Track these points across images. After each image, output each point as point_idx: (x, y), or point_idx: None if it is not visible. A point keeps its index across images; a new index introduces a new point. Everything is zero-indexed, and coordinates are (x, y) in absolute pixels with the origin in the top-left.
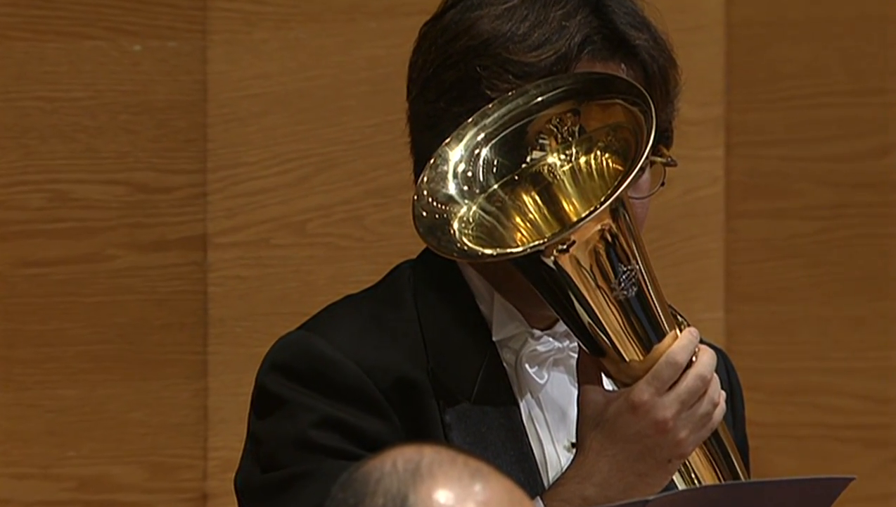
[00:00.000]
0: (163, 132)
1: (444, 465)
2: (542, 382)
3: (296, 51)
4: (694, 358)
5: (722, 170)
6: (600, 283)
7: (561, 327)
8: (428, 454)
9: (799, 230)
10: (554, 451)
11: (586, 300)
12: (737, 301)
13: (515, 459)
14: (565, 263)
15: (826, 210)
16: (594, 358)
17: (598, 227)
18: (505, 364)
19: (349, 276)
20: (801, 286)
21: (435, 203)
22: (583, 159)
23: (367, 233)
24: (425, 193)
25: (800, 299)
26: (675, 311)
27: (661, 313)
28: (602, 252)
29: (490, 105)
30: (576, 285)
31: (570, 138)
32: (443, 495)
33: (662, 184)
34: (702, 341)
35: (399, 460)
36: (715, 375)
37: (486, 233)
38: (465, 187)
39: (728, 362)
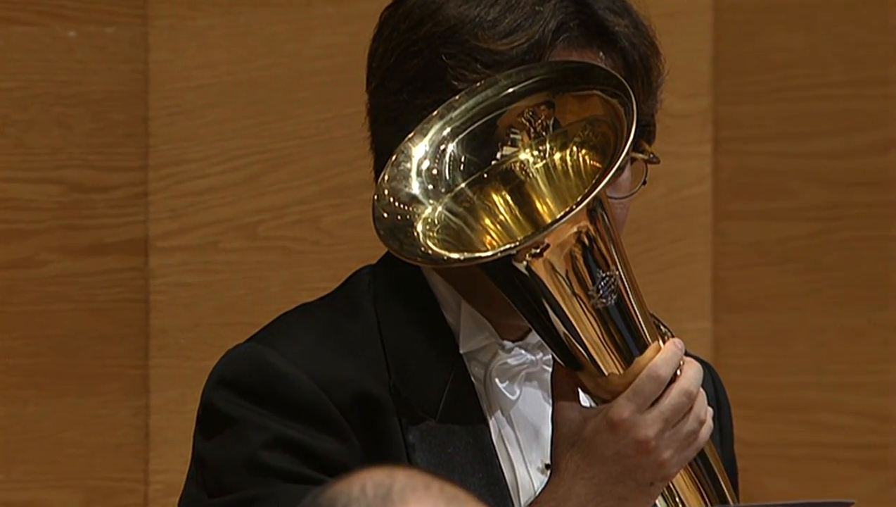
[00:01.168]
0: (100, 126)
1: (418, 491)
2: (513, 398)
3: (245, 38)
4: (678, 372)
5: (709, 167)
6: (577, 290)
7: (534, 338)
8: (400, 479)
9: (793, 233)
10: (526, 473)
11: (561, 309)
12: (725, 310)
13: (485, 482)
14: (539, 268)
15: (822, 211)
16: (570, 372)
17: (575, 229)
18: (473, 379)
19: (304, 282)
20: (795, 294)
21: (397, 203)
22: (557, 156)
23: (323, 236)
24: (386, 192)
25: (793, 307)
26: (658, 321)
27: (642, 323)
28: (579, 257)
29: (457, 97)
30: (550, 293)
31: (544, 133)
32: None
33: (644, 182)
34: (687, 354)
35: (368, 484)
36: (701, 390)
37: (453, 236)
38: (430, 186)
39: (715, 376)
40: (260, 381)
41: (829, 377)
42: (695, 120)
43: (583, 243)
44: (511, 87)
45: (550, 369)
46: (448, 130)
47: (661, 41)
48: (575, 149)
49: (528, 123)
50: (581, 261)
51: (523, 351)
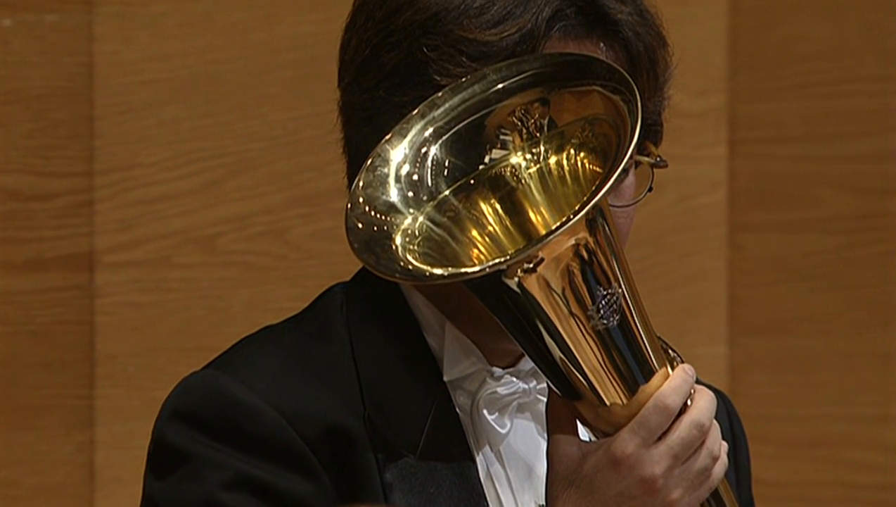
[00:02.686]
0: (40, 126)
1: None
2: (503, 431)
3: (203, 26)
4: (689, 402)
5: (724, 173)
6: (574, 310)
7: (527, 364)
8: None
9: (818, 246)
10: None
11: (557, 331)
12: (742, 333)
13: None
14: (532, 285)
15: (851, 222)
16: (567, 402)
17: (572, 241)
18: (458, 410)
19: (269, 302)
20: (821, 315)
21: (373, 213)
22: (553, 159)
23: (291, 249)
24: (361, 200)
25: (819, 330)
26: (667, 344)
27: (648, 347)
28: (577, 272)
29: (440, 94)
30: (545, 313)
31: (538, 134)
32: None
33: (650, 189)
34: (698, 382)
35: None
36: (714, 422)
37: (436, 249)
38: (410, 194)
39: (730, 406)
40: (218, 413)
41: (859, 409)
42: (708, 119)
43: (581, 258)
44: (501, 82)
45: (545, 399)
46: (430, 130)
47: (671, 30)
48: (572, 152)
49: (519, 123)
50: (579, 277)
51: (515, 379)
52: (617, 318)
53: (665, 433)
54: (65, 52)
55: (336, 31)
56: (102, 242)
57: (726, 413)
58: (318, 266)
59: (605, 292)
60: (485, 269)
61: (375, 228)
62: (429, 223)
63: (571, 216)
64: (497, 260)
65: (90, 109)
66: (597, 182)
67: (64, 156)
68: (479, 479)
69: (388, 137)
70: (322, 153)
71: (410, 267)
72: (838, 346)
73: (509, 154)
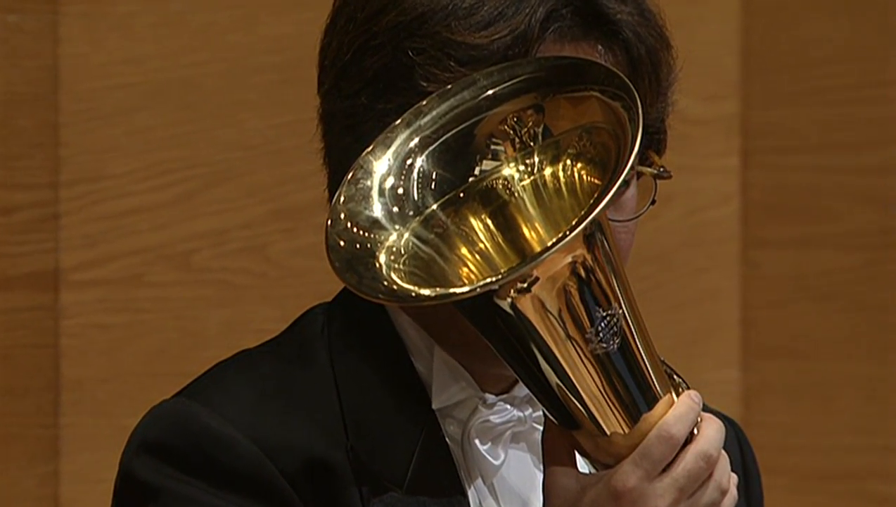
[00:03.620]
0: (1, 134)
1: None
2: (497, 462)
3: (177, 27)
4: (695, 431)
5: (736, 184)
6: (572, 332)
7: (521, 390)
8: None
9: (837, 264)
10: None
11: (554, 355)
12: (756, 357)
13: None
14: (526, 306)
15: (872, 238)
16: (565, 431)
17: (569, 259)
18: (448, 440)
19: (247, 323)
20: (841, 337)
21: (355, 229)
22: (548, 171)
23: (271, 267)
24: (342, 215)
25: (839, 354)
26: (671, 369)
27: (651, 373)
28: (574, 292)
29: (426, 101)
30: (540, 336)
31: (532, 143)
32: None
33: (653, 202)
34: (706, 409)
35: None
36: (723, 453)
37: (423, 268)
38: (395, 209)
39: (742, 436)
40: (190, 444)
41: (882, 438)
42: (719, 127)
43: (579, 276)
44: (491, 88)
45: (541, 428)
46: (416, 140)
47: (679, 32)
48: (569, 162)
49: (512, 132)
50: (577, 297)
51: (509, 406)
52: (617, 341)
53: (670, 465)
54: (28, 55)
55: (320, 32)
56: (68, 259)
57: (737, 443)
58: (300, 285)
59: (604, 314)
60: (475, 289)
61: (358, 246)
62: (415, 240)
63: (568, 232)
64: (488, 279)
65: (55, 115)
66: (595, 195)
67: (27, 166)
68: None
69: (370, 147)
70: (305, 163)
71: (395, 287)
72: (860, 370)
73: (501, 165)
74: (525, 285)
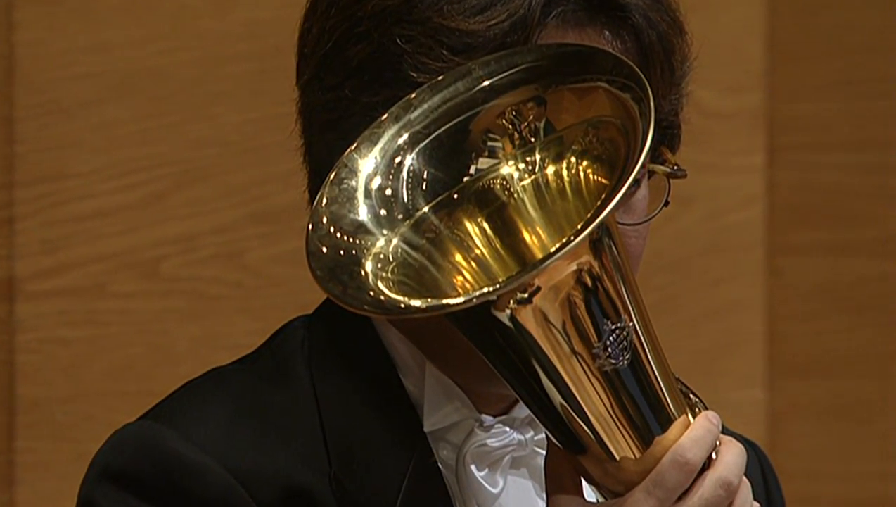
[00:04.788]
0: None
1: None
2: (495, 490)
3: (145, 13)
4: (713, 455)
5: (761, 185)
6: (577, 347)
7: (522, 411)
8: None
9: (871, 272)
10: None
11: (558, 373)
12: (783, 375)
13: None
14: (527, 319)
15: None
16: (570, 456)
17: (574, 266)
18: (441, 466)
19: (222, 338)
20: (876, 354)
21: (338, 234)
22: (551, 170)
23: (248, 275)
24: (325, 219)
25: (873, 371)
26: (687, 388)
27: (665, 391)
28: (580, 303)
29: (416, 93)
30: (542, 352)
31: (533, 139)
32: None
33: (666, 203)
34: (726, 432)
35: None
36: (745, 480)
37: (413, 277)
38: (383, 211)
39: (765, 461)
40: (156, 472)
41: None
42: (741, 121)
43: (585, 285)
44: (488, 78)
45: (544, 453)
46: (405, 136)
47: (697, 15)
48: (573, 160)
49: (511, 127)
50: (583, 309)
51: (508, 429)
52: (627, 357)
53: (685, 493)
54: None
55: (300, 17)
56: (24, 268)
57: (759, 469)
58: (280, 295)
59: (613, 327)
60: (471, 299)
61: (342, 253)
62: (404, 246)
63: (573, 236)
64: (485, 289)
65: (10, 109)
66: (603, 196)
67: None
68: None
69: (355, 144)
70: (285, 162)
71: (383, 298)
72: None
73: (499, 164)
74: (526, 295)
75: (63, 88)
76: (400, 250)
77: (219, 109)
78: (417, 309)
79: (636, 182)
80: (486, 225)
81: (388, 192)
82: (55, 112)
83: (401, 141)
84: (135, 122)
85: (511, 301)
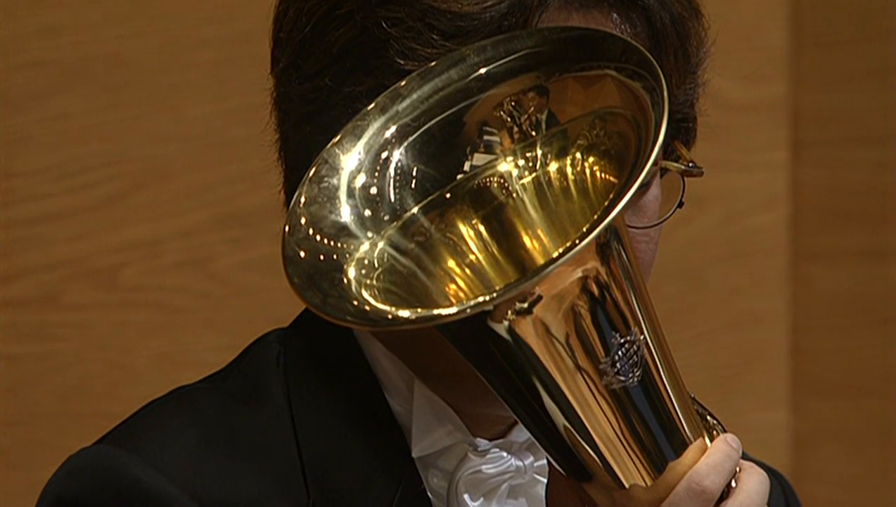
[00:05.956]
0: None
1: None
2: None
3: None
4: (733, 483)
5: (785, 184)
6: (583, 363)
7: (521, 434)
8: None
9: None
10: None
11: (560, 391)
12: (808, 395)
13: None
14: (526, 331)
15: None
16: (574, 483)
17: (579, 273)
18: (431, 495)
19: (187, 354)
20: None
21: (318, 238)
22: (553, 167)
23: (216, 285)
24: (303, 221)
25: None
26: (704, 408)
27: (679, 412)
28: (585, 314)
29: (405, 82)
30: (543, 368)
31: (534, 133)
32: None
33: (680, 204)
34: (746, 457)
35: None
36: None
37: (401, 285)
38: (367, 212)
39: (790, 490)
40: (115, 502)
41: None
42: (763, 114)
43: (591, 294)
44: (484, 66)
45: (545, 480)
46: (392, 129)
47: None
48: (579, 156)
49: (509, 120)
50: (588, 320)
51: (505, 454)
52: (638, 373)
53: None
54: None
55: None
56: None
57: (784, 499)
58: (252, 307)
59: (622, 341)
60: (465, 309)
61: (322, 258)
62: (392, 251)
63: (577, 240)
64: (481, 298)
65: None
66: (611, 196)
67: None
68: None
69: (337, 138)
70: (258, 159)
71: (367, 308)
72: None
73: (496, 160)
74: (525, 304)
75: (9, 78)
76: (386, 255)
77: (183, 100)
78: (406, 320)
79: (647, 181)
80: (481, 228)
81: (374, 191)
82: (4, 105)
83: (388, 134)
84: (89, 115)
85: (509, 312)
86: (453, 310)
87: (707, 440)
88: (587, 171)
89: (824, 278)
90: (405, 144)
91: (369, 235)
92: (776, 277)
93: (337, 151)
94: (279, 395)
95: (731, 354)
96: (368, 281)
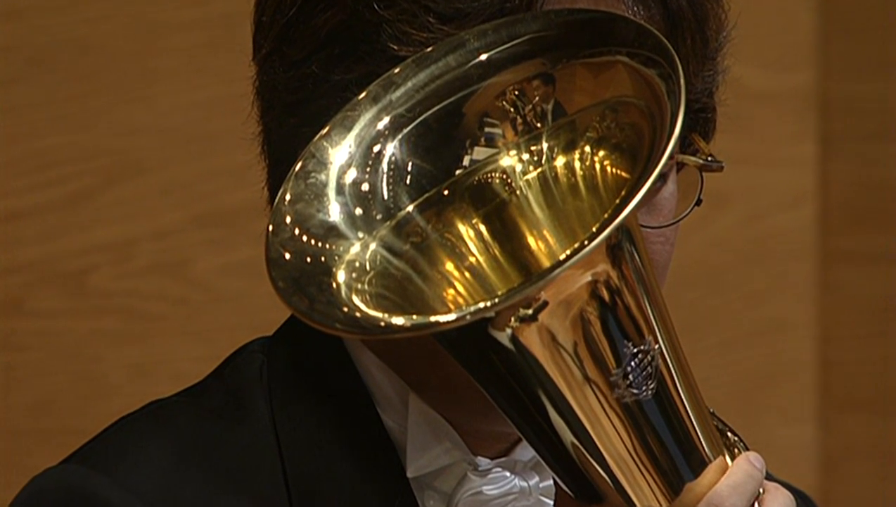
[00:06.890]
0: None
1: None
2: None
3: None
4: (756, 505)
5: (813, 181)
6: (592, 374)
7: (525, 452)
8: None
9: None
10: None
11: (568, 405)
12: (837, 408)
13: None
14: (531, 340)
15: None
16: (582, 505)
17: (588, 277)
18: None
19: (163, 364)
20: None
21: (305, 238)
22: (560, 161)
23: (194, 290)
24: (288, 220)
25: None
26: (725, 424)
27: (697, 428)
28: (595, 321)
29: (399, 69)
30: (550, 379)
31: (539, 125)
32: None
33: (699, 202)
34: (770, 478)
35: None
36: None
37: (395, 289)
38: (358, 211)
39: None
40: None
41: None
42: (789, 104)
43: (601, 300)
44: (485, 52)
45: (551, 502)
46: (385, 121)
47: None
48: (588, 149)
49: (513, 110)
50: (598, 328)
51: (508, 473)
52: (652, 386)
53: None
54: None
55: None
56: None
57: None
58: (232, 313)
59: (635, 350)
60: (464, 316)
61: (309, 260)
62: (385, 252)
63: (587, 241)
64: (481, 304)
65: None
66: (623, 192)
67: None
68: None
69: (325, 130)
70: (239, 153)
71: (358, 314)
72: None
73: (498, 154)
74: (530, 311)
75: None
76: (379, 257)
77: (157, 89)
78: (400, 328)
79: (662, 176)
80: (482, 227)
81: (365, 187)
82: None
83: (380, 126)
84: (54, 106)
85: (512, 319)
86: (451, 317)
87: (728, 459)
88: (597, 165)
89: (855, 282)
90: (399, 136)
91: (360, 235)
92: (803, 281)
93: (325, 144)
94: (262, 410)
95: (754, 365)
96: (359, 285)
